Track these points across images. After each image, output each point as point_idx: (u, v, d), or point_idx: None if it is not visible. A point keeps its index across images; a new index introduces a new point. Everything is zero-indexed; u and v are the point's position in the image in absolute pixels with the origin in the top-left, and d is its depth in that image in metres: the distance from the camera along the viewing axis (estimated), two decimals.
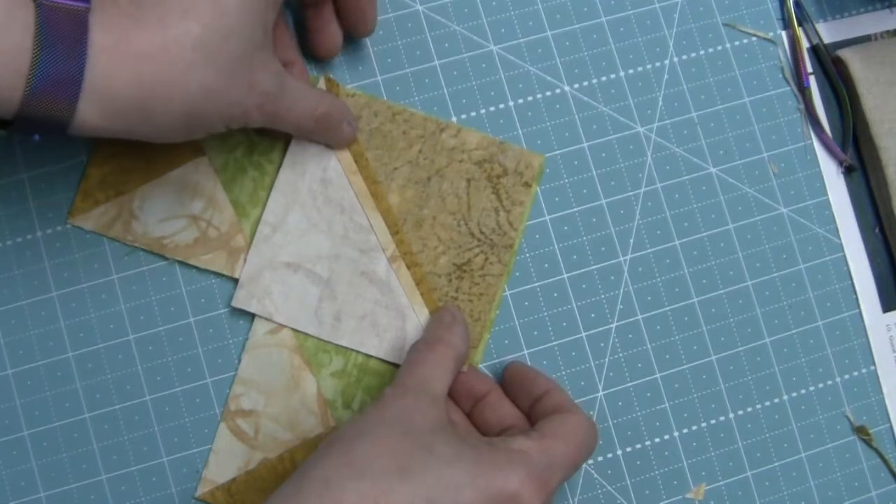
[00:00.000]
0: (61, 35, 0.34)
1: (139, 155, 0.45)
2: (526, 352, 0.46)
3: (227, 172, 0.45)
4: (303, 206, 0.45)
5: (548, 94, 0.48)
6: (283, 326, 0.45)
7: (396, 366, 0.45)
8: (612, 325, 0.47)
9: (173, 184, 0.45)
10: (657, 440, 0.46)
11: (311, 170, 0.45)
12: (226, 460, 0.44)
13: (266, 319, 0.45)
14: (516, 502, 0.36)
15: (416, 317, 0.45)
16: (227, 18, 0.36)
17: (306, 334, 0.45)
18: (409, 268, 0.45)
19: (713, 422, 0.47)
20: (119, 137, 0.38)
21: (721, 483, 0.46)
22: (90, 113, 0.35)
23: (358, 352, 0.45)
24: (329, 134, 0.45)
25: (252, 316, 0.45)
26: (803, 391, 0.47)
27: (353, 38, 0.46)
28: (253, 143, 0.46)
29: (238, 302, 0.45)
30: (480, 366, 0.45)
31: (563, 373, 0.46)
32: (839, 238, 0.48)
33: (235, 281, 0.45)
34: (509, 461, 0.37)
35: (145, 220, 0.45)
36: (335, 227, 0.45)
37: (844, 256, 0.48)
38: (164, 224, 0.45)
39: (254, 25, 0.38)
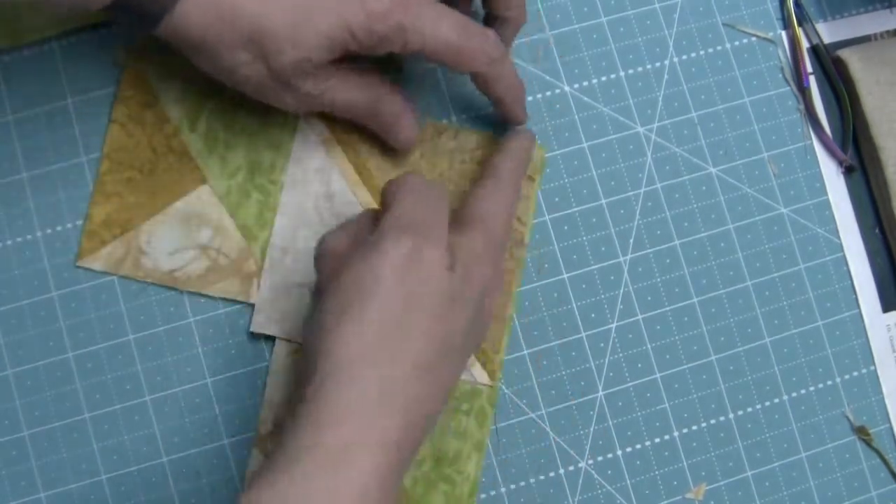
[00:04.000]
0: None
1: (140, 189, 0.45)
2: (526, 352, 0.46)
3: (231, 198, 0.45)
4: (310, 224, 0.45)
5: (548, 94, 0.48)
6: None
7: None
8: (611, 326, 0.47)
9: (178, 215, 0.45)
10: (657, 440, 0.46)
11: (314, 187, 0.45)
12: None
13: (287, 341, 0.44)
14: None
15: None
16: None
17: None
18: None
19: (713, 422, 0.47)
20: (212, 72, 0.39)
21: (721, 483, 0.46)
22: (189, 12, 0.37)
23: None
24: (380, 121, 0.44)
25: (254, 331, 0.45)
26: (803, 391, 0.47)
27: None
28: (253, 165, 0.45)
29: (257, 327, 0.44)
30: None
31: (563, 373, 0.46)
32: (839, 238, 0.48)
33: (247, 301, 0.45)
34: None
35: (154, 255, 0.44)
36: None
37: (844, 256, 0.48)
38: (173, 257, 0.44)
39: None
